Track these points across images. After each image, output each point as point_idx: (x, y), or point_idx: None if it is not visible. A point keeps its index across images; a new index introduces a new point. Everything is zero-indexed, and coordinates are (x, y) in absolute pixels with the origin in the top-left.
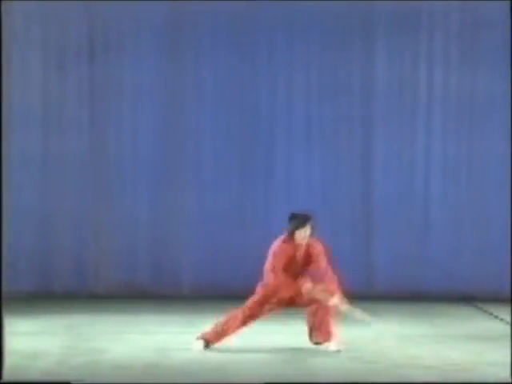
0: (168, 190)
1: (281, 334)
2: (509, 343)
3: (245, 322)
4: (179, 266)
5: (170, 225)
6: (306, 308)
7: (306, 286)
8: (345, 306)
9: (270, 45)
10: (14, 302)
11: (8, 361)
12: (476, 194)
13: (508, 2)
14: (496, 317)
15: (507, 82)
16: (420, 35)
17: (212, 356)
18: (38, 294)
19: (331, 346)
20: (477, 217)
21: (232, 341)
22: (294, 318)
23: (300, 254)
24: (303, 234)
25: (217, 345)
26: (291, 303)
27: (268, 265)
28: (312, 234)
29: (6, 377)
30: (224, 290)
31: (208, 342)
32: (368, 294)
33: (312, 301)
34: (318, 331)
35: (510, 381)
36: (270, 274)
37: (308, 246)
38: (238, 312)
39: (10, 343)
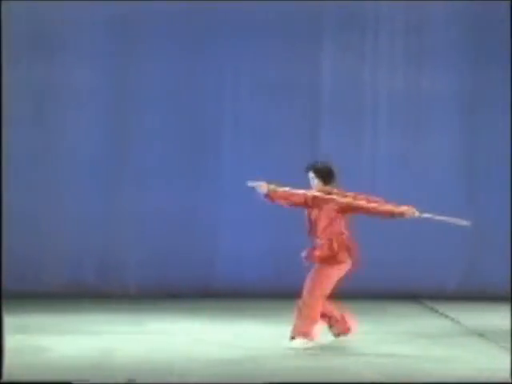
0: (114, 189)
1: (228, 334)
2: (453, 340)
3: (323, 303)
4: (125, 266)
5: (116, 224)
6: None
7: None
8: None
9: (217, 44)
10: None
11: None
12: (423, 192)
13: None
14: (441, 314)
15: (453, 80)
16: (366, 34)
17: (157, 356)
18: None
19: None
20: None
21: (181, 340)
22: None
23: None
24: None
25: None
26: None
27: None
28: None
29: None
30: (170, 289)
31: (307, 336)
32: None
33: None
34: (339, 323)
35: (510, 381)
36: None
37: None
38: (316, 296)
39: None
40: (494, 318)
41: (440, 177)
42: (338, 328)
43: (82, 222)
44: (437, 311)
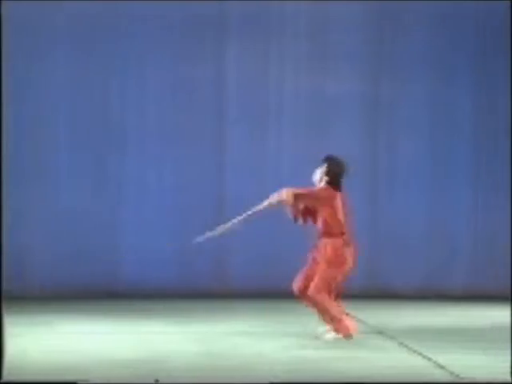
0: (24, 188)
1: (133, 335)
2: (355, 337)
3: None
4: (29, 266)
5: (20, 224)
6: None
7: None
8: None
9: (122, 43)
10: None
11: None
12: None
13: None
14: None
15: (356, 82)
16: (271, 36)
17: (66, 356)
18: None
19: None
20: None
21: (86, 341)
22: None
23: None
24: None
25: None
26: None
27: None
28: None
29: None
30: (75, 291)
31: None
32: (221, 291)
33: None
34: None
35: (510, 381)
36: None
37: None
38: (325, 292)
39: None
40: (394, 316)
41: (347, 177)
42: None
43: None
44: None
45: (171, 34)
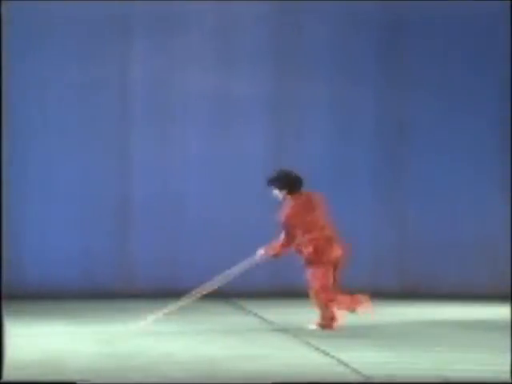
0: None
1: (37, 337)
2: (260, 337)
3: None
4: None
5: None
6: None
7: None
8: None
9: (25, 44)
10: None
11: None
12: (233, 194)
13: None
14: (250, 312)
15: (261, 82)
16: (175, 36)
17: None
18: None
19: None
20: (233, 215)
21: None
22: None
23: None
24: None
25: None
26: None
27: None
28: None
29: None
30: None
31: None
32: (129, 291)
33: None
34: None
35: (510, 381)
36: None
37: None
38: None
39: None
40: (298, 315)
41: (251, 177)
42: None
43: None
44: (244, 309)
45: (75, 33)
